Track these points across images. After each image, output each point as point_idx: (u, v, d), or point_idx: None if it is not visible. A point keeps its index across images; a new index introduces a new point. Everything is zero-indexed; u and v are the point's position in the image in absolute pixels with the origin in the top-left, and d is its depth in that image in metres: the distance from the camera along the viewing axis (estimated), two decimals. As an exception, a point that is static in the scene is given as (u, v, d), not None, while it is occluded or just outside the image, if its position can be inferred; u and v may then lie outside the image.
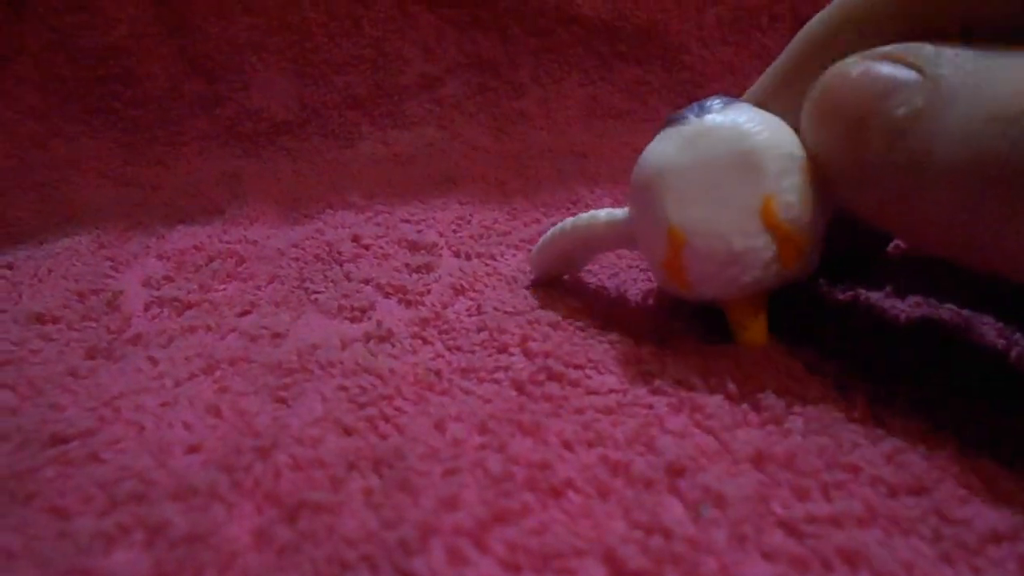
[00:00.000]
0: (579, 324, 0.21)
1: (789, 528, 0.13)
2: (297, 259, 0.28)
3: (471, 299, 0.24)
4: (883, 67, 0.15)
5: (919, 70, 0.14)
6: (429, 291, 0.25)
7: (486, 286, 0.25)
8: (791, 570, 0.12)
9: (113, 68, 0.43)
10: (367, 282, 0.25)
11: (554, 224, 0.31)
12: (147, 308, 0.24)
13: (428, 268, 0.27)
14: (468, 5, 0.47)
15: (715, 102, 0.18)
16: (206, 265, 0.28)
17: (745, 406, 0.16)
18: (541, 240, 0.24)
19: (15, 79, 0.42)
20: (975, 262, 0.14)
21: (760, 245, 0.17)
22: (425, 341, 0.21)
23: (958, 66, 0.14)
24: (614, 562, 0.12)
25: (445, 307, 0.23)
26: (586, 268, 0.25)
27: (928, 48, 0.15)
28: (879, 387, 0.17)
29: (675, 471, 0.14)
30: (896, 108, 0.14)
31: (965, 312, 0.21)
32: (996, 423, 0.15)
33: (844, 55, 0.16)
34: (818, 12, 0.18)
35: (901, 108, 0.14)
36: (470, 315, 0.23)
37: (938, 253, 0.16)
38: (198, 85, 0.45)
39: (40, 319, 0.24)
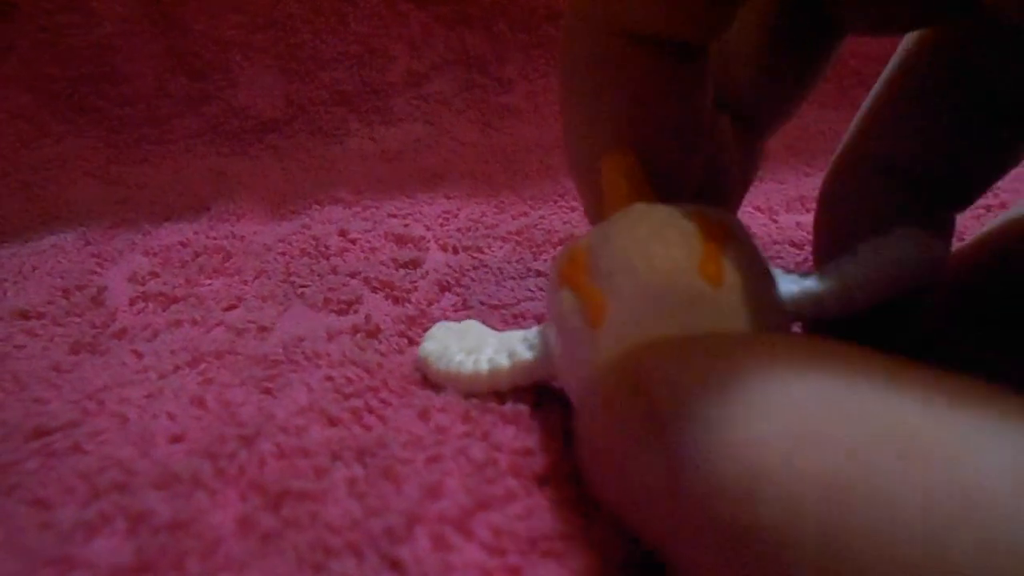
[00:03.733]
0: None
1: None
2: (284, 254, 0.28)
3: (457, 294, 0.24)
4: None
5: None
6: (416, 288, 0.25)
7: (472, 280, 0.25)
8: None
9: (100, 67, 0.43)
10: (354, 276, 0.25)
11: (542, 217, 0.31)
12: (132, 303, 0.24)
13: (415, 263, 0.26)
14: (455, 2, 0.47)
15: None
16: (192, 260, 0.28)
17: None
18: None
19: (3, 78, 0.42)
20: None
21: None
22: (411, 341, 0.21)
23: None
24: (600, 546, 0.12)
25: (431, 304, 0.23)
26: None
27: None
28: None
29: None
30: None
31: None
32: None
33: None
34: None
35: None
36: (456, 310, 0.23)
37: None
38: (185, 83, 0.45)
39: (24, 315, 0.23)
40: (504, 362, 0.16)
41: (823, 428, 0.08)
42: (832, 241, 0.18)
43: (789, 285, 0.15)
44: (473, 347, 0.17)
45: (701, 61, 0.15)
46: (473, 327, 0.19)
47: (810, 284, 0.15)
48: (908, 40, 0.18)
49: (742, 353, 0.10)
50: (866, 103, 0.19)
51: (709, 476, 0.09)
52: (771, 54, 0.18)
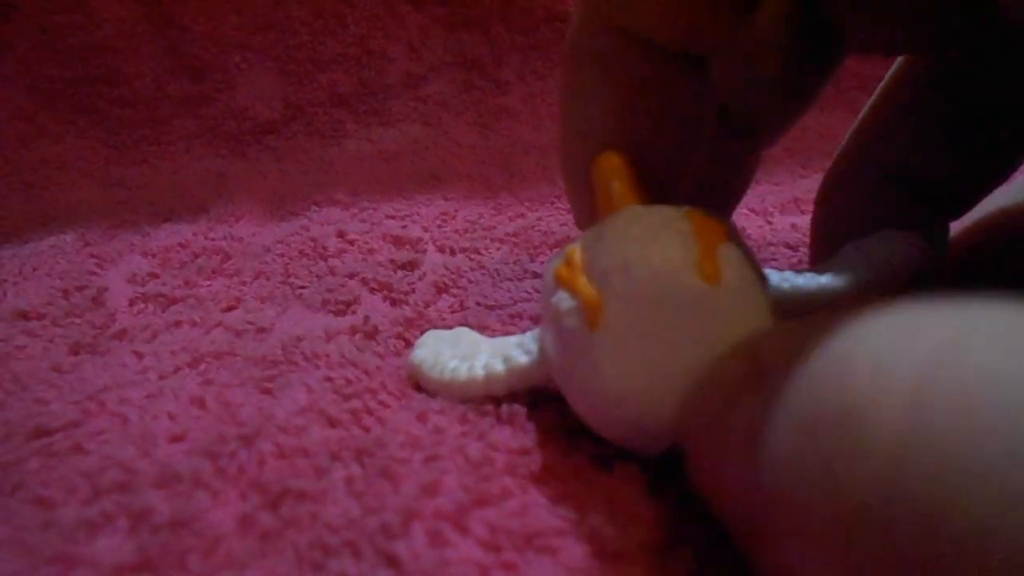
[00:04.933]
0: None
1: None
2: (282, 255, 0.28)
3: (454, 295, 0.24)
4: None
5: None
6: (413, 290, 0.25)
7: (470, 281, 0.25)
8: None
9: (99, 68, 0.43)
10: (352, 277, 0.26)
11: (539, 219, 0.32)
12: (132, 304, 0.25)
13: (413, 264, 0.27)
14: (453, 3, 0.48)
15: None
16: (191, 262, 0.28)
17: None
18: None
19: (2, 79, 0.42)
20: None
21: None
22: (408, 343, 0.21)
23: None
24: (596, 542, 0.12)
25: (428, 305, 0.23)
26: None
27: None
28: None
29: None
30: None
31: None
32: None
33: None
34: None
35: None
36: (453, 312, 0.23)
37: None
38: (183, 84, 0.45)
39: (24, 316, 0.24)
40: (499, 367, 0.16)
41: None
42: (829, 245, 0.19)
43: (779, 283, 0.15)
44: (467, 353, 0.18)
45: (703, 71, 0.16)
46: (464, 334, 0.19)
47: (800, 282, 0.15)
48: None
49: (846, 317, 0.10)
50: (865, 109, 0.19)
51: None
52: (779, 71, 0.18)
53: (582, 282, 0.14)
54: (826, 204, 0.19)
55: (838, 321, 0.09)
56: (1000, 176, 0.18)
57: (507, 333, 0.20)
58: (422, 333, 0.21)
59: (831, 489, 0.08)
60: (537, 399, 0.17)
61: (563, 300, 0.14)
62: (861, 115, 0.19)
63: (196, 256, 0.29)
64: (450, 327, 0.22)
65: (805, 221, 0.27)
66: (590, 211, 0.16)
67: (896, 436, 0.07)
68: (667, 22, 0.14)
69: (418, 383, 0.18)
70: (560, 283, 0.14)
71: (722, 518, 0.11)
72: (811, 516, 0.08)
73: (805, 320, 0.11)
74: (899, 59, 0.18)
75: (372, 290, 0.25)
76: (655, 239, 0.13)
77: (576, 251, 0.14)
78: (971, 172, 0.18)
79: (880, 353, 0.08)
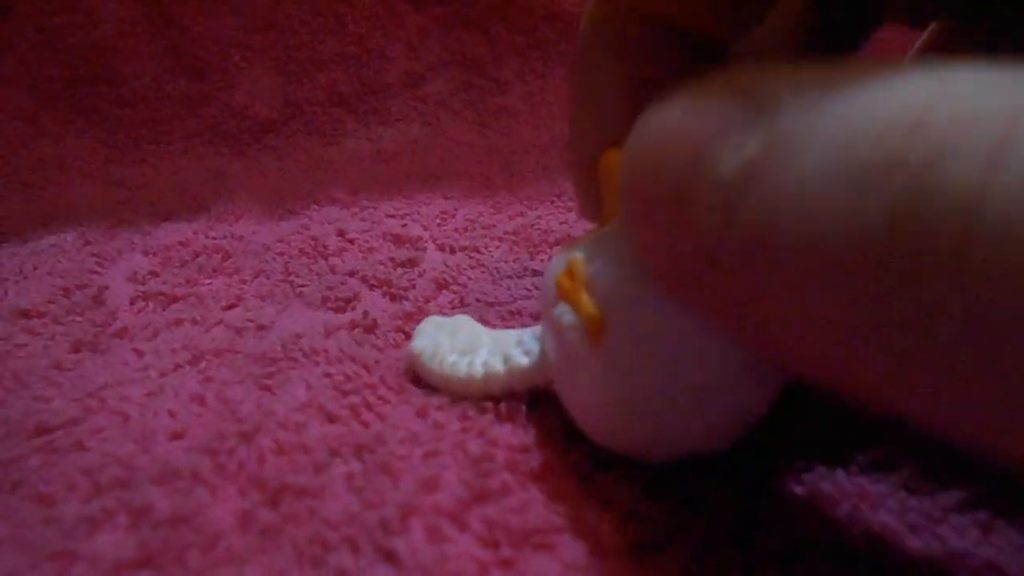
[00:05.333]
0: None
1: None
2: (282, 254, 0.28)
3: (454, 292, 0.24)
4: (706, 103, 0.10)
5: (752, 102, 0.10)
6: (414, 285, 0.25)
7: (469, 279, 0.25)
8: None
9: (99, 67, 0.43)
10: (352, 275, 0.26)
11: (538, 217, 0.32)
12: (132, 302, 0.25)
13: (413, 262, 0.27)
14: (452, 3, 0.48)
15: None
16: (192, 260, 0.28)
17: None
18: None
19: (1, 79, 0.42)
20: (869, 397, 0.09)
21: None
22: (408, 336, 0.21)
23: (804, 94, 0.09)
24: (593, 539, 0.13)
25: (428, 301, 0.24)
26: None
27: (763, 69, 0.10)
28: None
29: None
30: (721, 162, 0.09)
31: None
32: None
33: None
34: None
35: (728, 161, 0.09)
36: (453, 308, 0.23)
37: (822, 382, 0.10)
38: (183, 84, 0.45)
39: (25, 314, 0.24)
40: (499, 367, 0.16)
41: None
42: None
43: None
44: (467, 346, 0.18)
45: (723, 60, 0.15)
46: (464, 323, 0.19)
47: None
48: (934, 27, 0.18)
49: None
50: None
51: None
52: (808, 50, 0.18)
53: (584, 300, 0.13)
54: None
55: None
56: None
57: (509, 328, 0.20)
58: None
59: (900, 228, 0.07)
60: (537, 397, 0.17)
61: (565, 314, 0.14)
62: None
63: (196, 255, 0.29)
64: None
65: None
66: (597, 205, 0.16)
67: (980, 174, 0.07)
68: (691, 5, 0.14)
69: (416, 373, 0.18)
70: (562, 295, 0.14)
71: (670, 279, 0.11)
72: (850, 254, 0.08)
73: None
74: (926, 30, 0.18)
75: (372, 287, 0.25)
76: None
77: (578, 262, 0.14)
78: None
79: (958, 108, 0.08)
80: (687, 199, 0.10)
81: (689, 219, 0.10)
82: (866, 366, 0.08)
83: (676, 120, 0.11)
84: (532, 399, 0.17)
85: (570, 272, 0.14)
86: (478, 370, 0.17)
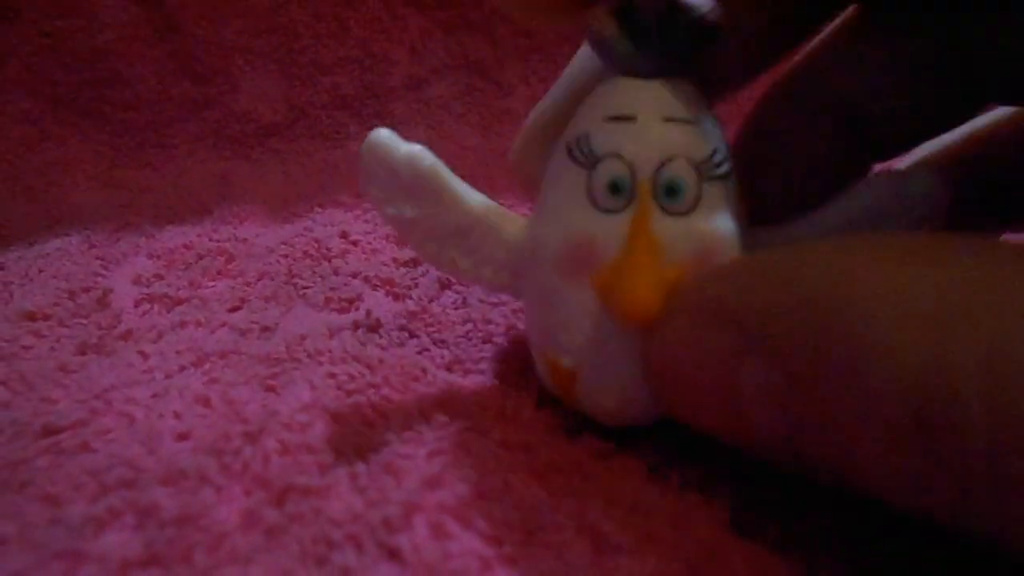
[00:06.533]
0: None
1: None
2: (286, 256, 0.28)
3: (457, 292, 0.24)
4: None
5: None
6: (416, 285, 0.25)
7: (472, 279, 0.25)
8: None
9: (102, 71, 0.43)
10: (355, 276, 0.26)
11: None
12: (137, 305, 0.25)
13: (416, 262, 0.27)
14: (455, 6, 0.48)
15: None
16: (196, 263, 0.28)
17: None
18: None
19: (5, 83, 0.42)
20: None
21: None
22: (412, 334, 0.21)
23: None
24: (596, 536, 0.13)
25: (431, 300, 0.24)
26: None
27: None
28: None
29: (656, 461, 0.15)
30: None
31: None
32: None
33: None
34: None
35: None
36: (456, 307, 0.23)
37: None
38: (187, 87, 0.45)
39: (31, 317, 0.24)
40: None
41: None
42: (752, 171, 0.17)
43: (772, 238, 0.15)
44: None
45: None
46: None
47: (794, 233, 0.15)
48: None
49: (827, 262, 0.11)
50: (815, 40, 0.18)
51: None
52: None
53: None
54: (756, 126, 0.19)
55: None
56: (940, 127, 0.18)
57: (512, 328, 0.21)
58: (425, 326, 0.22)
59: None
60: (542, 399, 0.17)
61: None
62: (811, 45, 0.18)
63: (200, 257, 0.29)
64: (453, 322, 0.22)
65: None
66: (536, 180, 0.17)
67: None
68: None
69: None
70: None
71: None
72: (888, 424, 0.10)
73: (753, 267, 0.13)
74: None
75: (375, 287, 0.25)
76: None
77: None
78: (911, 115, 0.17)
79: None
80: None
81: None
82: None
83: None
84: (538, 400, 0.17)
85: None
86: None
